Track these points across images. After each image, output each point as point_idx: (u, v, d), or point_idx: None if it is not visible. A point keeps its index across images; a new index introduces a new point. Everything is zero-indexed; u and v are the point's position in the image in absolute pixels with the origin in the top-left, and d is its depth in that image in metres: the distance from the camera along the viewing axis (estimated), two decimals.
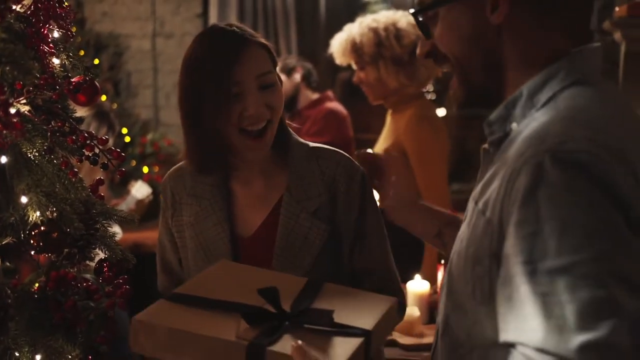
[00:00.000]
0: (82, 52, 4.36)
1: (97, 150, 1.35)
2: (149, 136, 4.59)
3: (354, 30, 2.74)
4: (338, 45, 2.78)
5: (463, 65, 1.09)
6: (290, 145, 1.63)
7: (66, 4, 1.42)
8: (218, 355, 1.18)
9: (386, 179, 1.63)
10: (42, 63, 1.35)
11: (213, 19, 4.52)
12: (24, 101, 1.29)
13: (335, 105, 3.65)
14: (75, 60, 1.43)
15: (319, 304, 1.31)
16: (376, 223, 1.65)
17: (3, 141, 1.14)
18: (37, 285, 1.27)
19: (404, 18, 2.73)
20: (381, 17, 2.76)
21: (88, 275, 1.30)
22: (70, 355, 1.26)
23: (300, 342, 1.12)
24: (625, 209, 0.89)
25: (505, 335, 0.93)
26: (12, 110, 1.21)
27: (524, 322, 0.90)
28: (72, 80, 1.38)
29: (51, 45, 1.37)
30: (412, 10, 1.13)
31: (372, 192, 1.66)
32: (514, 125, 1.05)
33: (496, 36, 1.05)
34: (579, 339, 0.85)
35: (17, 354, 1.25)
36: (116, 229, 3.36)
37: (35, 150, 1.27)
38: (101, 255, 1.41)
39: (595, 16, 4.03)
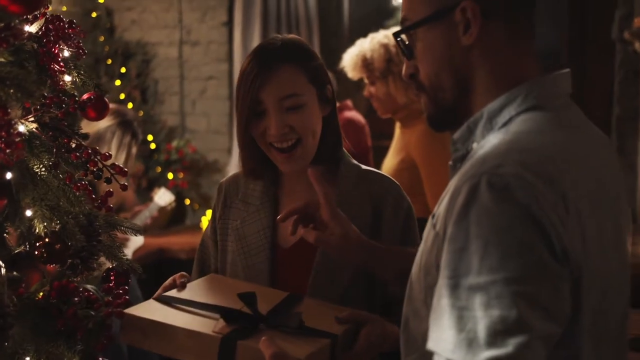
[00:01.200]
0: (109, 61, 4.47)
1: (100, 165, 1.42)
2: (174, 143, 4.68)
3: (365, 45, 2.80)
4: (349, 59, 2.84)
5: (434, 83, 1.14)
6: (342, 163, 1.67)
7: (88, 14, 1.50)
8: (196, 348, 1.31)
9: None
10: (53, 81, 1.43)
11: (237, 27, 4.59)
12: (32, 119, 1.37)
13: (353, 114, 3.70)
14: (85, 77, 1.50)
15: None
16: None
17: (8, 159, 1.21)
18: (41, 294, 1.34)
19: None
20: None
21: (89, 286, 1.36)
22: None
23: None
24: (547, 235, 0.93)
25: (429, 343, 0.98)
26: (21, 128, 1.29)
27: (441, 332, 0.95)
28: (82, 96, 1.45)
29: (62, 63, 1.44)
30: (393, 31, 1.19)
31: (416, 221, 1.67)
32: (475, 144, 1.09)
33: (466, 57, 1.10)
34: (485, 354, 0.90)
35: (27, 359, 1.32)
36: (138, 236, 3.44)
37: (42, 165, 1.34)
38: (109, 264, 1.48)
39: (617, 26, 4.03)
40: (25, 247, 1.37)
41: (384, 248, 1.51)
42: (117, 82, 4.52)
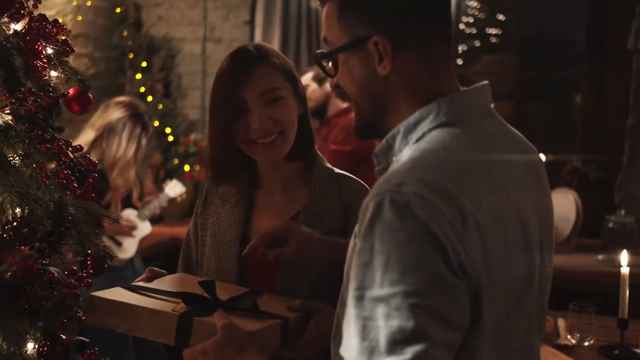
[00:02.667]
0: (131, 55, 4.60)
1: (72, 156, 1.51)
2: (192, 136, 4.80)
3: None
4: None
5: (356, 103, 1.21)
6: (315, 166, 1.74)
7: (62, 22, 1.59)
8: (156, 326, 1.41)
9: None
10: (35, 76, 1.53)
11: (259, 26, 4.69)
12: (8, 111, 1.48)
13: None
14: (70, 73, 1.60)
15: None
16: None
17: None
18: (9, 274, 1.44)
19: None
20: None
21: (52, 268, 1.45)
22: (32, 338, 1.43)
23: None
24: (444, 250, 0.98)
25: (340, 348, 1.05)
26: None
27: (348, 340, 1.02)
28: (68, 91, 1.55)
29: (44, 60, 1.54)
30: (316, 55, 1.24)
31: None
32: (395, 158, 1.15)
33: (384, 84, 1.15)
34: None
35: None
36: (146, 224, 3.57)
37: (15, 154, 1.44)
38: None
39: (633, 36, 4.01)
40: None
41: (343, 243, 1.57)
42: (138, 76, 4.65)
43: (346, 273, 1.14)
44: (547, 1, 4.84)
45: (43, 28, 1.54)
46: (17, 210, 1.43)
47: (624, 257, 2.24)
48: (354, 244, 1.09)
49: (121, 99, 3.43)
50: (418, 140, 1.11)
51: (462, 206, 1.01)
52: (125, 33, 4.72)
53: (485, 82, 1.18)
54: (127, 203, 3.53)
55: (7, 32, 1.50)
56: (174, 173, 4.71)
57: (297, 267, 1.66)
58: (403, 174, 1.03)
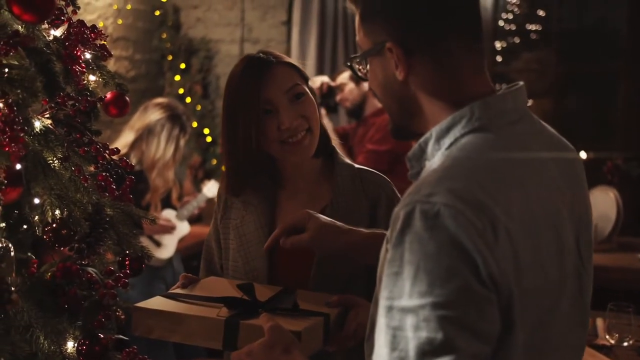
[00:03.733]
0: (170, 57, 4.66)
1: (109, 159, 1.55)
2: None
3: None
4: None
5: (384, 106, 1.22)
6: (336, 163, 1.76)
7: (100, 27, 1.63)
8: (203, 332, 1.42)
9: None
10: (74, 81, 1.57)
11: (295, 26, 4.71)
12: (48, 115, 1.52)
13: None
14: (107, 77, 1.64)
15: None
16: None
17: (17, 152, 1.35)
18: (49, 274, 1.48)
19: None
20: None
21: (90, 269, 1.49)
22: (72, 336, 1.47)
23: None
24: (473, 261, 0.97)
25: (373, 355, 1.05)
26: (37, 124, 1.44)
27: (378, 348, 1.02)
28: (105, 95, 1.59)
29: (83, 65, 1.57)
30: (348, 59, 1.25)
31: None
32: (427, 162, 1.14)
33: (405, 88, 1.14)
34: None
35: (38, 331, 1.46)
36: (185, 225, 3.61)
37: (55, 158, 1.48)
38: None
39: None
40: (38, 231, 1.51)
41: (361, 233, 1.58)
42: (177, 78, 4.71)
43: (379, 276, 1.14)
44: None
45: (81, 34, 1.57)
46: (57, 212, 1.47)
47: None
48: (386, 249, 1.09)
49: (159, 100, 3.48)
50: (450, 145, 1.10)
51: (492, 216, 1.00)
52: (164, 35, 4.78)
53: (521, 83, 1.16)
54: (167, 203, 3.58)
55: (47, 38, 1.54)
56: (213, 173, 4.76)
57: (330, 265, 1.67)
58: (433, 184, 1.02)
